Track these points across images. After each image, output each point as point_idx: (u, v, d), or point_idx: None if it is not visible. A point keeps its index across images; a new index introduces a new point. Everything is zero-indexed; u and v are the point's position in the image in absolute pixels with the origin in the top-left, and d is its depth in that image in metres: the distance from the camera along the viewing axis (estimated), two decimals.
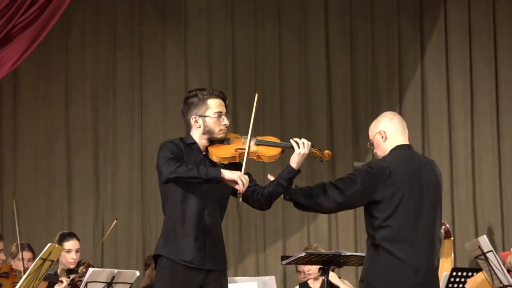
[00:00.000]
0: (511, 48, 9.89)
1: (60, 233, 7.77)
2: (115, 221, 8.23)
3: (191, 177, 5.63)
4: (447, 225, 8.44)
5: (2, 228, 8.86)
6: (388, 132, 6.04)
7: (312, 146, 5.77)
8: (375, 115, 9.55)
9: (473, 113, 9.84)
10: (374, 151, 6.04)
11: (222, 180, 5.62)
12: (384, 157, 5.98)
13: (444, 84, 9.94)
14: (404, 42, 10.03)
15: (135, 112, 9.80)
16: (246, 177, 5.62)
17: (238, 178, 5.56)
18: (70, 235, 7.67)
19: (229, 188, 5.79)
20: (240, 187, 5.58)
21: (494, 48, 9.87)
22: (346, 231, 9.84)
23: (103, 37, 9.88)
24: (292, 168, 5.77)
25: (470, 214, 9.71)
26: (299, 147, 5.74)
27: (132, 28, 9.91)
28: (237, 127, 9.06)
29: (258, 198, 5.89)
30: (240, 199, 5.72)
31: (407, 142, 6.05)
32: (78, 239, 7.73)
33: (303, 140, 5.77)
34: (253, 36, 9.96)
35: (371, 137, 6.09)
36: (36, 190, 9.67)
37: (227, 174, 5.61)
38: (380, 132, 6.02)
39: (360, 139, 9.54)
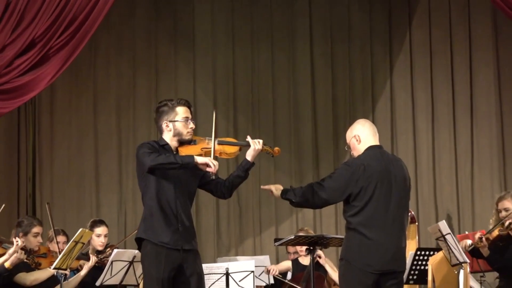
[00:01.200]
0: (466, 65, 9.83)
1: (92, 220, 7.80)
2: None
3: (169, 163, 5.59)
4: (412, 212, 8.41)
5: (41, 216, 8.88)
6: (362, 135, 6.05)
7: (264, 144, 5.81)
8: (352, 122, 9.65)
9: (434, 119, 9.82)
10: (351, 152, 6.06)
11: (195, 164, 5.61)
12: (359, 156, 5.99)
13: (409, 95, 9.92)
14: (376, 61, 10.00)
15: (151, 120, 9.81)
16: (216, 161, 5.63)
17: (209, 161, 5.56)
18: (100, 222, 7.69)
19: (196, 182, 5.86)
20: (212, 169, 5.59)
21: (451, 65, 9.87)
22: (328, 217, 9.76)
23: (125, 57, 9.90)
24: (248, 161, 5.81)
25: (431, 203, 9.68)
26: (254, 145, 5.78)
27: (149, 49, 9.91)
28: (237, 133, 9.08)
29: (221, 188, 5.89)
30: (213, 177, 5.72)
31: (377, 143, 6.08)
32: (106, 225, 7.73)
33: (258, 139, 5.82)
34: (250, 57, 9.96)
35: (348, 141, 6.12)
36: (69, 185, 9.69)
37: (200, 159, 5.60)
38: (355, 136, 6.03)
39: (340, 142, 9.48)
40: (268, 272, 8.13)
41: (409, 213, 8.28)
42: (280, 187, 6.05)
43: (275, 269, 8.11)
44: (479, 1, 9.24)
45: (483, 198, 9.22)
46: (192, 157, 5.64)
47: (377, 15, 9.93)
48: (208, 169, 5.61)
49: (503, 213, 6.51)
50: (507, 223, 6.42)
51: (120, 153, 9.81)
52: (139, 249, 5.86)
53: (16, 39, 7.30)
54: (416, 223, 8.47)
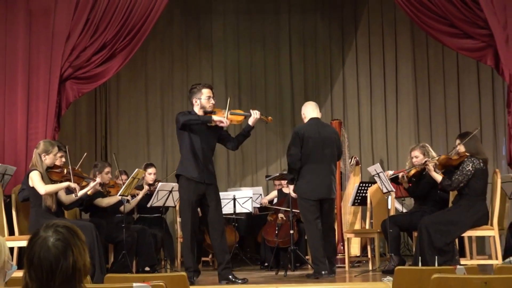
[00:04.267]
0: (393, 60, 9.72)
1: (145, 163, 7.82)
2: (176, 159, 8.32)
3: (194, 119, 5.79)
4: (357, 158, 8.49)
5: (110, 161, 8.91)
6: (306, 113, 6.47)
7: (261, 114, 5.94)
8: (317, 99, 9.75)
9: (371, 98, 9.71)
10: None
11: (213, 120, 5.77)
12: (301, 124, 6.45)
13: (355, 81, 9.74)
14: (333, 58, 9.85)
15: (184, 98, 9.81)
16: (227, 121, 5.79)
17: (223, 118, 5.75)
18: (151, 165, 7.71)
19: (216, 139, 5.99)
20: (224, 123, 5.78)
21: (383, 60, 9.82)
22: None
23: (165, 54, 9.83)
24: (249, 125, 5.92)
25: (369, 152, 9.62)
26: (254, 114, 5.88)
27: (181, 49, 9.84)
28: (241, 106, 8.76)
29: (231, 143, 6.05)
30: (225, 128, 5.94)
31: (316, 116, 6.39)
32: (155, 167, 7.77)
33: (256, 111, 5.93)
34: (249, 55, 9.88)
35: (302, 117, 6.52)
36: (129, 141, 9.71)
37: (215, 117, 5.79)
38: (302, 113, 6.48)
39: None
40: (261, 204, 8.21)
41: (355, 158, 8.41)
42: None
43: (266, 201, 8.18)
44: (401, 17, 9.20)
45: (403, 149, 9.21)
46: (210, 116, 5.79)
47: (333, 26, 9.87)
48: (221, 124, 5.78)
49: (414, 159, 6.58)
50: (418, 165, 6.49)
51: (163, 120, 9.73)
52: (177, 182, 6.01)
53: (93, 43, 7.29)
54: (360, 165, 8.42)
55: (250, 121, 5.89)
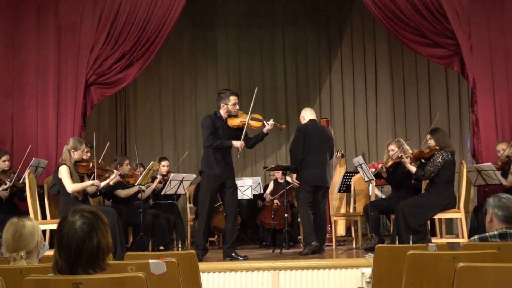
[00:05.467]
0: (372, 67, 9.71)
1: (159, 156, 7.79)
2: (186, 153, 8.32)
3: (217, 145, 5.76)
4: (342, 151, 8.49)
5: (129, 154, 8.92)
6: (305, 116, 6.48)
7: (276, 123, 5.96)
8: (307, 101, 9.71)
9: (355, 98, 9.71)
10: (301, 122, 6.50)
11: (232, 145, 5.80)
12: (302, 124, 6.37)
13: (340, 84, 9.71)
14: (321, 65, 9.78)
15: (192, 100, 9.85)
16: (243, 143, 5.81)
17: (239, 146, 5.76)
18: (164, 158, 7.67)
19: (235, 138, 5.88)
20: (240, 151, 5.84)
21: (364, 67, 9.82)
22: None
23: (176, 63, 9.75)
24: (263, 133, 5.94)
25: (353, 146, 9.63)
26: (268, 123, 5.89)
27: (190, 58, 9.78)
28: (242, 108, 9.06)
29: (247, 143, 6.01)
30: (238, 155, 6.03)
31: (313, 118, 6.42)
32: (168, 160, 7.73)
33: (271, 120, 5.95)
34: (248, 63, 9.86)
35: (301, 119, 6.52)
36: (145, 137, 9.65)
37: (234, 143, 5.79)
38: (302, 116, 6.50)
39: (299, 112, 9.49)
40: (265, 197, 8.08)
41: (340, 152, 8.40)
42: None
43: (268, 195, 8.02)
44: (380, 30, 9.19)
45: (382, 143, 9.22)
46: (231, 142, 5.78)
47: (321, 38, 9.82)
48: (238, 149, 5.82)
49: (391, 152, 6.59)
50: (394, 157, 6.49)
51: (174, 119, 9.69)
52: (200, 176, 6.08)
53: (113, 53, 7.24)
54: (344, 157, 8.41)
55: (265, 130, 5.90)
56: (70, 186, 5.80)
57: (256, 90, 5.88)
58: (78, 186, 5.87)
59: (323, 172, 6.27)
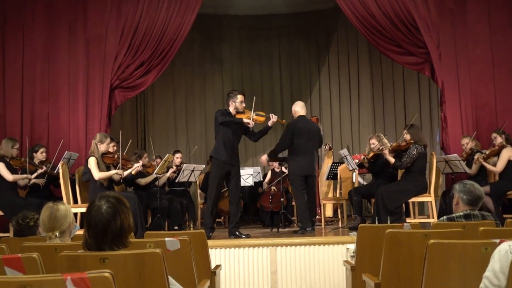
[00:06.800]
0: (356, 71, 9.72)
1: (174, 150, 7.76)
2: (196, 147, 8.29)
3: (230, 121, 5.69)
4: (330, 145, 8.48)
5: (147, 148, 8.91)
6: (296, 110, 6.31)
7: (277, 118, 5.87)
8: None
9: (340, 99, 9.76)
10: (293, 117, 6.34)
11: (243, 122, 5.69)
12: (293, 120, 6.23)
13: (328, 87, 9.85)
14: (311, 70, 9.85)
15: (201, 101, 9.85)
16: (253, 122, 5.71)
17: (250, 120, 5.68)
18: (178, 151, 7.58)
19: (241, 132, 5.82)
20: (250, 124, 5.70)
21: (348, 72, 9.81)
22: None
23: (187, 69, 9.77)
24: (268, 126, 5.87)
25: (339, 140, 9.66)
26: (272, 117, 5.81)
27: (200, 65, 9.83)
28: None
29: (253, 137, 5.94)
30: (251, 128, 5.79)
31: (303, 114, 6.29)
32: (181, 152, 7.65)
33: (274, 115, 5.87)
34: (249, 70, 9.91)
35: (292, 112, 6.34)
36: (161, 133, 9.69)
37: (244, 120, 5.70)
38: (293, 111, 6.30)
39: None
40: (264, 186, 8.04)
41: (328, 145, 8.36)
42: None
43: (266, 184, 7.97)
44: (362, 41, 9.18)
45: (364, 138, 9.23)
46: (241, 119, 5.70)
47: (312, 48, 9.85)
48: (248, 125, 5.72)
49: (372, 145, 6.57)
50: (375, 149, 6.48)
51: (187, 118, 9.78)
52: (210, 161, 5.97)
53: (134, 61, 7.21)
54: (332, 150, 8.43)
55: (269, 123, 5.82)
56: (97, 175, 5.78)
57: (254, 100, 5.80)
58: (104, 174, 5.83)
59: (311, 163, 6.21)
